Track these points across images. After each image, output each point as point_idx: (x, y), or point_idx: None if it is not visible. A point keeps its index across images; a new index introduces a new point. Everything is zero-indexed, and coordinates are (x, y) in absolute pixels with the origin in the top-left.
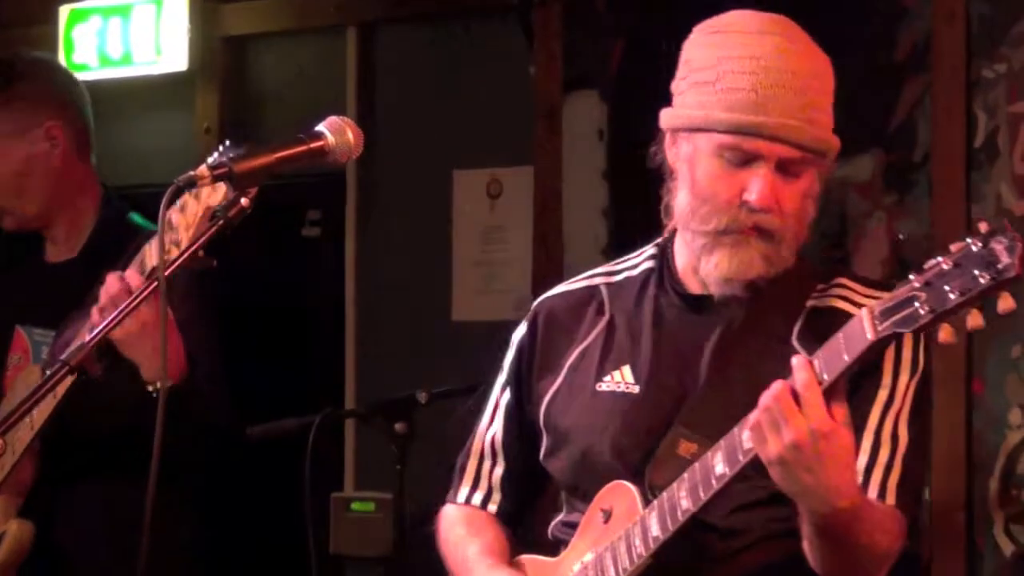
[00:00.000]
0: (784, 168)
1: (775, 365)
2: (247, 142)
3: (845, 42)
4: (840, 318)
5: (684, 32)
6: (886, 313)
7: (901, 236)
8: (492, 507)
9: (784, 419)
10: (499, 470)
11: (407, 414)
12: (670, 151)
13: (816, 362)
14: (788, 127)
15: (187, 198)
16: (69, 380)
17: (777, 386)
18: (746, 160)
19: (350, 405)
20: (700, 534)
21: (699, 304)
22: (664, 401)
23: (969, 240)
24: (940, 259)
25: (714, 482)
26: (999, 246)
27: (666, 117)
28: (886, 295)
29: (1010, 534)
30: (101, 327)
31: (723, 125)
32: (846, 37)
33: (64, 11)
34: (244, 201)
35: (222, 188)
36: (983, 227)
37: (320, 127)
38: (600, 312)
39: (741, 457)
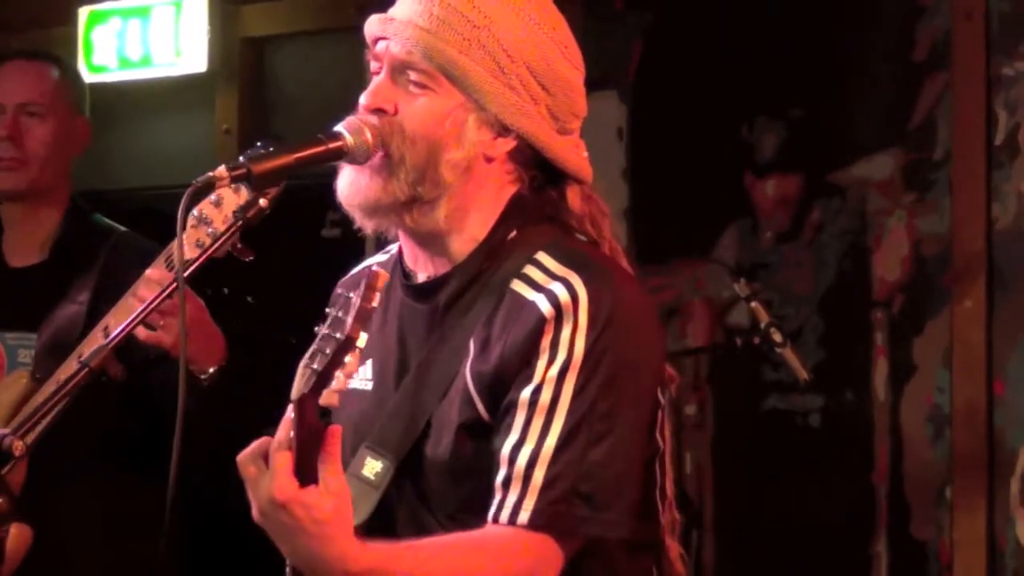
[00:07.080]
0: (406, 77)
1: (460, 367)
2: (267, 142)
3: (864, 41)
4: (518, 307)
5: (703, 31)
6: (310, 359)
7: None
8: None
9: (250, 484)
10: None
11: None
12: None
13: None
14: (396, 23)
15: (224, 192)
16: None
17: (254, 444)
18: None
19: None
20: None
21: (419, 292)
22: (386, 404)
23: (342, 290)
24: (336, 304)
25: None
26: (354, 299)
27: None
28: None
29: None
30: (119, 330)
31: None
32: (865, 36)
33: (83, 13)
34: (263, 201)
35: None
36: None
37: (339, 127)
38: None
39: None
